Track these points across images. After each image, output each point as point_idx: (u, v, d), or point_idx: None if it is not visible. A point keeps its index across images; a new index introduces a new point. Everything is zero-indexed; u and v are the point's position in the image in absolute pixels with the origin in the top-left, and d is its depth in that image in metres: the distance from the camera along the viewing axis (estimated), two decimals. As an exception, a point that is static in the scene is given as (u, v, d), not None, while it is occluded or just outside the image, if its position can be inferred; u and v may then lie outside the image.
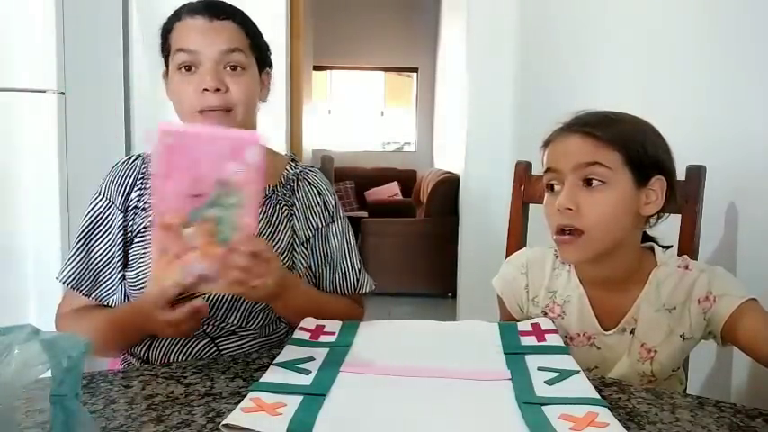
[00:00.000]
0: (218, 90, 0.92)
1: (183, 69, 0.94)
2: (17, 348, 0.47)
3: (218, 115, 0.93)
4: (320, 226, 1.04)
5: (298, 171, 1.06)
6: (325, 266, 1.05)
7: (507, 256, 1.15)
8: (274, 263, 0.79)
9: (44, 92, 1.80)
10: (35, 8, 1.78)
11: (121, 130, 2.22)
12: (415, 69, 6.76)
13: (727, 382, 1.07)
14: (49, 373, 0.48)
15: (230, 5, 1.00)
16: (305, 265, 1.01)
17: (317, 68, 6.30)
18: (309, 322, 0.89)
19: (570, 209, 0.82)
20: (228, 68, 0.95)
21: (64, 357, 0.48)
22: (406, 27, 6.56)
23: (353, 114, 6.99)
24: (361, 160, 6.58)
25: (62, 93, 1.82)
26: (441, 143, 5.95)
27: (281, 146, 2.34)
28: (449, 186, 4.01)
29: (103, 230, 0.99)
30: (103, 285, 0.98)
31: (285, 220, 1.01)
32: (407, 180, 6.23)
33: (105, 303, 0.99)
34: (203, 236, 0.70)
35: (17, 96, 1.77)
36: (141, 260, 0.95)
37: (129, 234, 0.98)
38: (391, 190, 6.08)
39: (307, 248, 1.02)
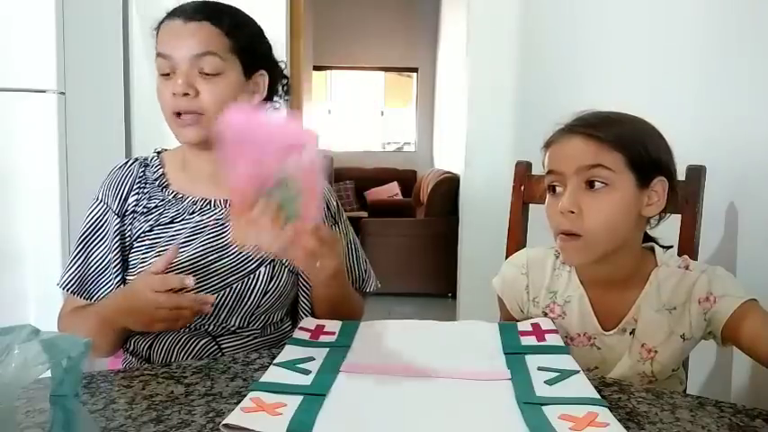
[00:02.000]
0: (186, 94, 0.91)
1: (163, 74, 0.94)
2: (17, 348, 0.47)
3: (191, 119, 0.93)
4: None
5: None
6: None
7: (507, 257, 1.15)
8: (338, 248, 0.84)
9: (44, 92, 1.79)
10: (35, 8, 1.78)
11: (121, 130, 2.22)
12: (415, 69, 6.76)
13: (727, 382, 1.07)
14: (49, 373, 0.48)
15: (212, 5, 0.97)
16: None
17: (316, 68, 6.30)
18: (309, 322, 0.89)
19: (573, 212, 0.81)
20: (203, 73, 0.92)
21: (64, 357, 0.48)
22: (406, 27, 6.56)
23: (353, 114, 6.99)
24: (361, 160, 6.58)
25: (62, 93, 1.82)
26: (441, 143, 5.95)
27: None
28: (449, 186, 4.01)
29: (101, 235, 0.99)
30: (102, 290, 0.98)
31: None
32: (407, 180, 6.23)
33: None
34: (270, 212, 0.77)
35: (17, 96, 1.77)
36: (141, 265, 0.95)
37: (128, 239, 0.98)
38: (391, 190, 6.08)
39: None
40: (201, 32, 0.93)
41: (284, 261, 0.99)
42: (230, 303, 0.95)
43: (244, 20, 1.00)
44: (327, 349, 0.79)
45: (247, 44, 0.98)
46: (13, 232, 1.77)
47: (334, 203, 1.08)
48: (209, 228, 0.97)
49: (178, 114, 0.93)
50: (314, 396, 0.64)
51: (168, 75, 0.93)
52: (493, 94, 2.82)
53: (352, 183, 6.15)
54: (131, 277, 0.95)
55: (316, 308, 1.01)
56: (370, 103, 7.01)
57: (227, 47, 0.94)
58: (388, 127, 7.04)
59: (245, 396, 0.64)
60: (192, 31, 0.93)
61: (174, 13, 0.95)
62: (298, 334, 0.85)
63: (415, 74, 6.80)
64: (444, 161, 5.34)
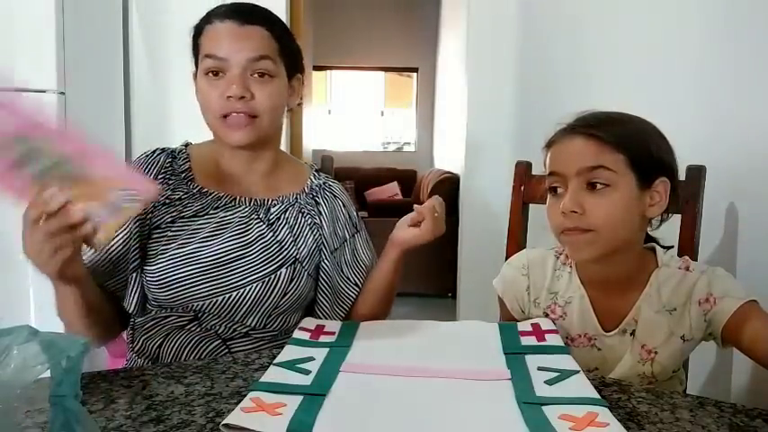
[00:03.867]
0: (242, 98, 0.92)
1: (210, 74, 0.94)
2: (16, 349, 0.47)
3: (242, 119, 0.93)
4: (347, 237, 1.07)
5: (321, 182, 1.08)
6: (360, 271, 1.08)
7: (507, 257, 1.15)
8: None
9: (44, 92, 1.80)
10: (35, 8, 1.78)
11: (121, 130, 2.22)
12: (415, 69, 6.75)
13: (727, 382, 1.07)
14: (48, 374, 0.48)
15: (262, 9, 0.98)
16: (330, 272, 1.02)
17: (316, 68, 6.30)
18: (309, 322, 0.89)
19: (576, 212, 0.81)
20: (256, 75, 0.94)
21: (63, 358, 0.48)
22: (406, 27, 6.56)
23: (353, 114, 6.99)
24: (361, 160, 6.58)
25: (62, 93, 1.82)
26: (441, 143, 5.95)
27: (280, 145, 2.33)
28: (449, 186, 4.00)
29: None
30: (118, 276, 0.96)
31: (307, 228, 1.02)
32: (407, 180, 6.22)
33: (118, 295, 0.97)
34: (67, 191, 0.73)
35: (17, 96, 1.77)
36: (161, 255, 0.93)
37: (147, 228, 0.96)
38: (391, 190, 6.07)
39: (335, 256, 1.03)
40: (258, 36, 0.95)
41: (304, 264, 0.99)
42: (249, 303, 0.94)
43: (285, 24, 1.01)
44: (327, 349, 0.79)
45: (291, 48, 1.01)
46: (12, 232, 1.77)
47: (354, 212, 1.10)
48: (232, 225, 0.97)
49: (224, 116, 0.93)
50: (314, 396, 0.64)
51: (217, 75, 0.94)
52: (493, 94, 2.82)
53: (352, 183, 6.13)
54: (149, 267, 0.94)
55: (368, 297, 1.07)
56: (370, 103, 7.01)
57: (278, 51, 0.97)
58: (388, 127, 7.03)
59: (245, 396, 0.64)
60: (249, 35, 0.94)
61: (224, 15, 0.95)
62: (298, 334, 0.85)
63: (415, 74, 6.80)
64: (444, 161, 5.34)
